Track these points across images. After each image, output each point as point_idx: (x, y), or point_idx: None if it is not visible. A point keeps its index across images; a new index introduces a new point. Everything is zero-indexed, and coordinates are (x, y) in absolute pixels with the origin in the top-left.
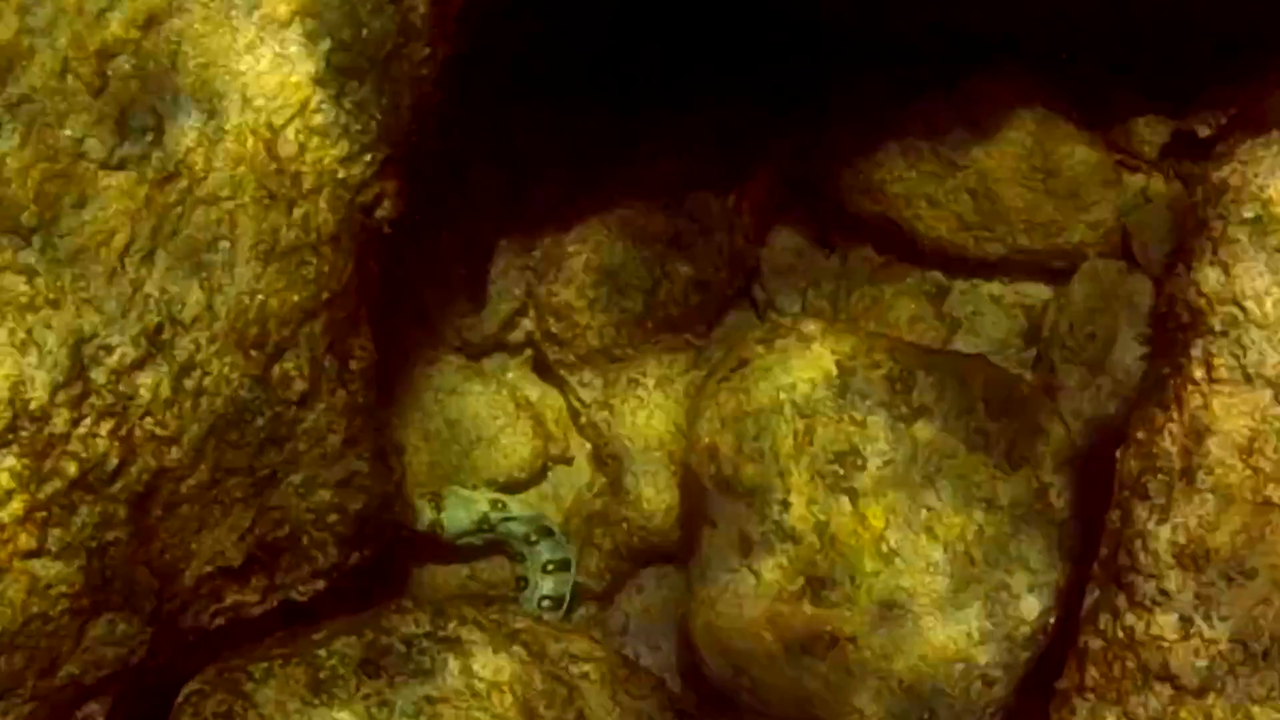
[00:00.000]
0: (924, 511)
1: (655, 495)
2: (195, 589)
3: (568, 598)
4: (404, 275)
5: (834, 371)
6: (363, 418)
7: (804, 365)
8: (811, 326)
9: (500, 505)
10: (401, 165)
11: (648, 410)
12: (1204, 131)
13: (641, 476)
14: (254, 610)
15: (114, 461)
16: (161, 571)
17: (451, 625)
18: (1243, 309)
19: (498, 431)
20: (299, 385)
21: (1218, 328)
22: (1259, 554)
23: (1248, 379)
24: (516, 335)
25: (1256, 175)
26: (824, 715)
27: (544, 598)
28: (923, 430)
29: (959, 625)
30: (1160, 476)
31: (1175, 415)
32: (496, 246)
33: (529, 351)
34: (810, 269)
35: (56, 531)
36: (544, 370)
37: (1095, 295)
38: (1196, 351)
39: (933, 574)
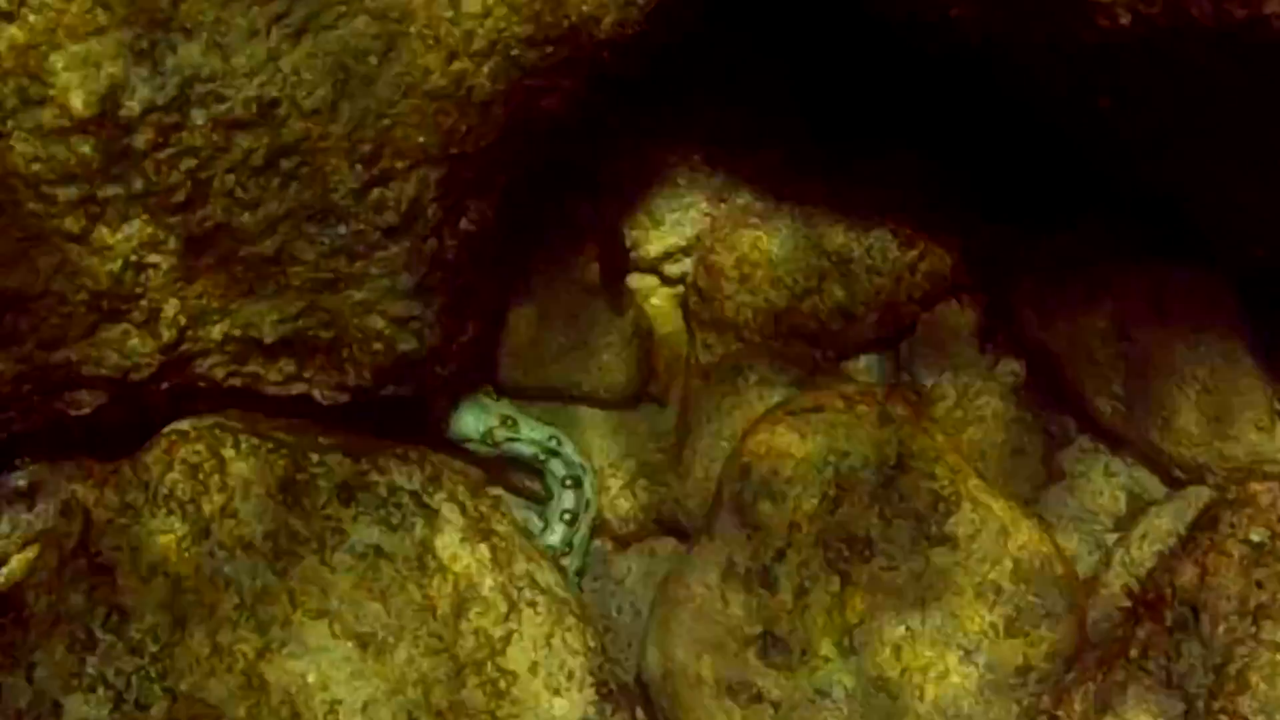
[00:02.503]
0: (901, 629)
1: (703, 480)
2: (221, 344)
3: (581, 514)
4: (577, 169)
5: (892, 461)
6: (447, 274)
7: (869, 441)
8: (900, 410)
9: (510, 423)
10: (585, 72)
11: (734, 399)
12: None
13: (700, 456)
14: (270, 389)
15: (180, 197)
16: (194, 313)
17: (438, 496)
18: (1196, 617)
19: (604, 346)
20: (390, 217)
21: (1168, 621)
22: None
23: (1169, 684)
24: (674, 269)
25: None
26: None
27: (565, 511)
28: (940, 556)
29: None
30: None
31: (1099, 678)
32: (693, 182)
33: (680, 289)
34: (959, 355)
35: (103, 230)
36: (685, 313)
37: (1184, 524)
38: (1142, 633)
39: (877, 689)
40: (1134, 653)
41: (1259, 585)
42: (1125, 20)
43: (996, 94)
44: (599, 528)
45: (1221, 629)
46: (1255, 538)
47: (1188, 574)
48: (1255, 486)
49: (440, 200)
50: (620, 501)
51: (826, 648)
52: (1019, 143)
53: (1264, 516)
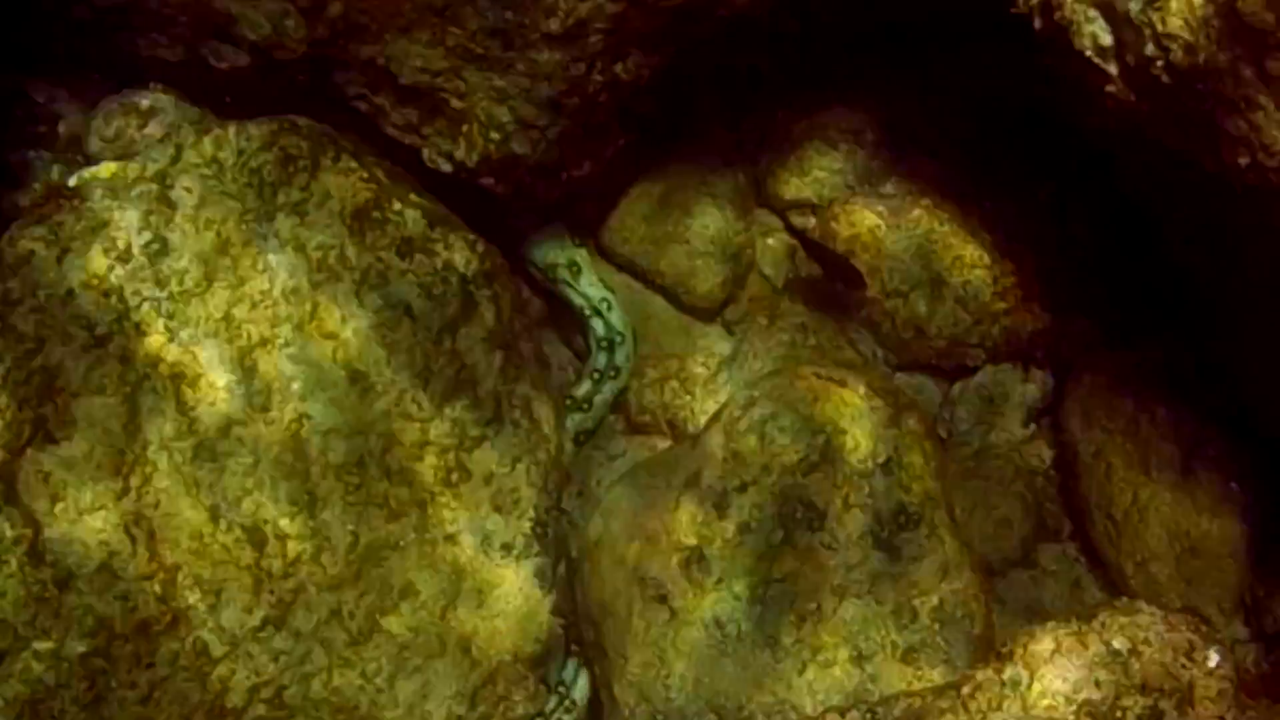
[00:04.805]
0: (813, 604)
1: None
2: (364, 64)
3: (607, 378)
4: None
5: (880, 459)
6: (584, 105)
7: (869, 434)
8: (913, 425)
9: (574, 270)
10: None
11: (783, 352)
12: None
13: (730, 383)
14: (388, 129)
15: None
16: (352, 23)
17: (483, 292)
18: (1030, 684)
19: (703, 253)
20: (554, 25)
21: (1005, 675)
22: None
23: None
24: (799, 220)
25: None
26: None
27: (595, 370)
28: (879, 562)
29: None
30: None
31: (928, 698)
32: (850, 153)
33: (795, 241)
34: (1000, 419)
35: None
36: (790, 263)
37: None
38: (980, 676)
39: (766, 645)
40: (966, 690)
41: (1096, 684)
42: (1243, 160)
43: (1130, 196)
44: (620, 406)
45: (1045, 703)
46: (1117, 644)
47: (1043, 644)
48: (1144, 606)
49: (605, 34)
50: (648, 392)
51: (741, 586)
52: (1142, 249)
53: (1136, 633)
